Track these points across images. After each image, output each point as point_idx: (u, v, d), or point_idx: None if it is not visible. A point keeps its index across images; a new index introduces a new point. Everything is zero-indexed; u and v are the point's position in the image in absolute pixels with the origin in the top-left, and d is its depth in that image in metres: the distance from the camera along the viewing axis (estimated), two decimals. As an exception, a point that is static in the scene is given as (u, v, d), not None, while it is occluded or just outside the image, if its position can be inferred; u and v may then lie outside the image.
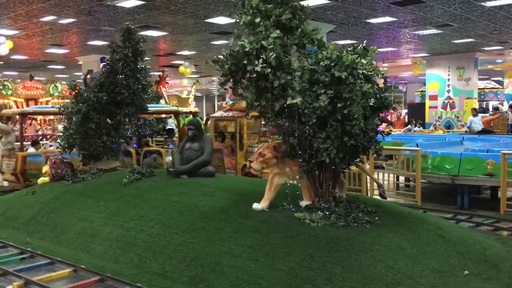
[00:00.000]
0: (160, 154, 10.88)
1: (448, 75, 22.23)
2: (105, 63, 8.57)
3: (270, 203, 5.46)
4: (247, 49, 5.02)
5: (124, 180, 7.04)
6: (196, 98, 38.55)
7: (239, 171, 9.93)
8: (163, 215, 5.65)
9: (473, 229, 6.14)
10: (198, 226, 5.21)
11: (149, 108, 9.24)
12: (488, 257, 4.97)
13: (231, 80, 5.38)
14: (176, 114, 12.43)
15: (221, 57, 5.29)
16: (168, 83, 24.28)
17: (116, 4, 12.17)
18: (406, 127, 18.94)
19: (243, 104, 8.83)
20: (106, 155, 8.46)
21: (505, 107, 21.87)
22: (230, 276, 4.25)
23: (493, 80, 29.99)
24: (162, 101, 18.35)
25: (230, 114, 10.28)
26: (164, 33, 16.28)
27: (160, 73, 23.87)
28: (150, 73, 9.45)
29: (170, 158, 9.82)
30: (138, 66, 8.56)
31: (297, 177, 5.52)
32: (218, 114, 10.84)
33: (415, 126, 19.30)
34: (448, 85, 22.29)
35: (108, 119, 8.43)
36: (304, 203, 5.50)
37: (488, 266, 4.74)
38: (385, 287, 4.06)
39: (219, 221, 5.24)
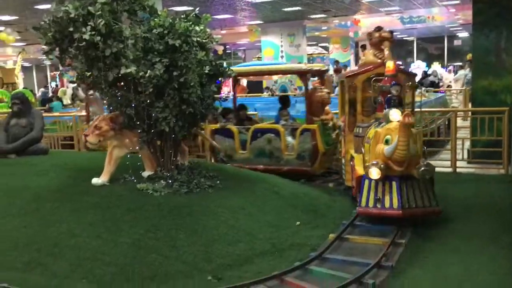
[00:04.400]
0: (278, 134, 7.29)
1: (281, 41, 23.59)
2: None
3: (111, 177, 5.32)
4: (72, 15, 4.68)
5: None
6: (25, 69, 34.88)
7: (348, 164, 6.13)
8: (-13, 200, 5.10)
9: (304, 183, 6.71)
10: (31, 209, 4.82)
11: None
12: (316, 207, 5.53)
13: (57, 48, 4.99)
14: None
15: (43, 23, 4.86)
16: (-14, 52, 21.56)
17: None
18: None
19: (371, 57, 5.98)
20: None
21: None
22: (70, 257, 4.05)
23: (320, 46, 32.69)
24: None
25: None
26: (-25, -5, 14.24)
27: (-24, 41, 21.02)
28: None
29: (290, 139, 7.31)
30: None
31: (138, 147, 5.44)
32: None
33: None
34: (281, 51, 23.69)
35: None
36: (146, 173, 5.47)
37: (316, 216, 5.29)
38: (227, 245, 4.29)
39: (55, 201, 4.92)
